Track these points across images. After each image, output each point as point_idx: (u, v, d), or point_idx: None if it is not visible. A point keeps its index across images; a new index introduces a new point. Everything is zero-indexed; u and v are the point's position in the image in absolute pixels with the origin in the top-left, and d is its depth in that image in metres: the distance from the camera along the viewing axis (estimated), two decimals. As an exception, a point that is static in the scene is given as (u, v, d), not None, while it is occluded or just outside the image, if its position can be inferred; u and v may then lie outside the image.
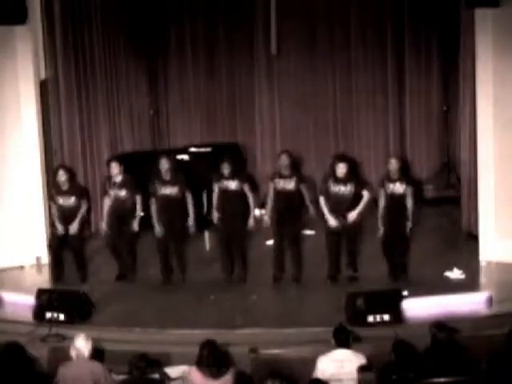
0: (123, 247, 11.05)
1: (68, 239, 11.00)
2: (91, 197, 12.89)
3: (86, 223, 11.48)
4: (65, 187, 10.95)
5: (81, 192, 11.15)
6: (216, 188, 10.74)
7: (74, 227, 10.84)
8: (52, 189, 11.27)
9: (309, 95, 15.18)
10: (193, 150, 14.39)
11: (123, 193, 10.83)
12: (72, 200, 10.90)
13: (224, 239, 10.82)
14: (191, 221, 10.84)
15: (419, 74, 14.73)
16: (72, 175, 11.29)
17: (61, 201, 10.96)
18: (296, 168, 11.08)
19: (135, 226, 10.87)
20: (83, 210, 10.96)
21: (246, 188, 10.69)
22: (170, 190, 10.73)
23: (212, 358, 7.21)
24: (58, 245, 11.00)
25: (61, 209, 10.99)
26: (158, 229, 10.72)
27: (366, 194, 10.55)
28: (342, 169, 10.43)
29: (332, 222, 10.47)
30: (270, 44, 15.08)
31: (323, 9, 14.88)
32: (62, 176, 10.91)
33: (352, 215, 10.46)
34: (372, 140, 15.09)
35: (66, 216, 10.94)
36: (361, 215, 10.57)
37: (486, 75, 11.07)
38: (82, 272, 11.08)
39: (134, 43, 14.79)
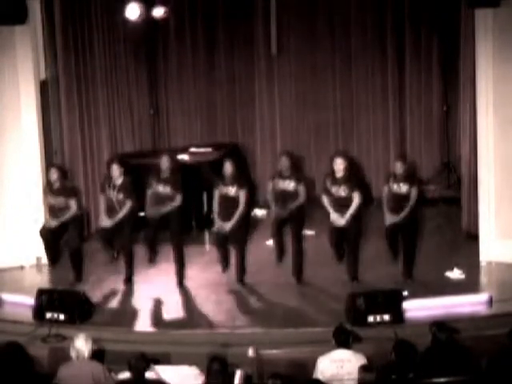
0: (121, 253, 11.09)
1: (64, 237, 11.04)
2: (91, 197, 12.94)
3: (81, 223, 11.42)
4: (55, 186, 10.95)
5: (70, 192, 11.05)
6: (216, 193, 10.72)
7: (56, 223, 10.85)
8: (45, 186, 11.19)
9: (309, 95, 15.20)
10: (193, 149, 14.41)
11: (121, 196, 10.80)
12: (61, 199, 10.89)
13: (221, 242, 10.80)
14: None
15: (419, 74, 14.74)
16: (64, 174, 11.23)
17: (52, 199, 10.96)
18: (296, 168, 11.05)
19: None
20: (72, 210, 10.92)
21: (242, 195, 10.62)
22: (162, 189, 10.72)
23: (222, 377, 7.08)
24: (50, 234, 10.99)
25: (52, 207, 11.01)
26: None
27: (356, 197, 10.34)
28: (339, 165, 10.35)
29: (337, 221, 10.39)
30: (270, 44, 15.10)
31: (323, 9, 14.90)
32: (53, 174, 10.91)
33: (343, 220, 10.38)
34: (372, 140, 15.10)
35: (57, 214, 10.94)
36: (354, 218, 10.44)
37: (486, 75, 11.07)
38: (77, 272, 11.06)
39: (134, 43, 14.80)
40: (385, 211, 10.54)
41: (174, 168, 10.84)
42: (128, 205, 10.73)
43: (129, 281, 10.96)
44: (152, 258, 11.11)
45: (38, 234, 11.04)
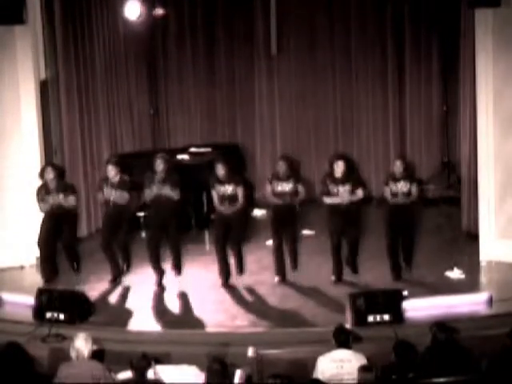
0: (117, 249, 11.07)
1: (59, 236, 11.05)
2: (90, 196, 12.94)
3: (75, 221, 11.42)
4: (52, 185, 10.94)
5: (67, 189, 11.05)
6: (214, 193, 10.72)
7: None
8: (41, 187, 11.13)
9: (309, 95, 15.20)
10: (193, 150, 14.41)
11: (118, 191, 10.79)
12: (58, 195, 10.90)
13: (220, 241, 10.79)
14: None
15: (419, 75, 14.74)
16: (61, 173, 11.22)
17: (49, 197, 10.95)
18: (294, 170, 11.05)
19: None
20: (70, 203, 10.92)
21: (240, 191, 10.64)
22: (160, 190, 10.68)
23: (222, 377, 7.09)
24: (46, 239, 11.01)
25: (50, 206, 11.01)
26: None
27: (360, 193, 10.48)
28: (340, 167, 10.42)
29: (343, 196, 10.42)
30: (270, 43, 15.10)
31: (323, 9, 14.89)
32: (49, 174, 10.91)
33: (343, 191, 10.42)
34: (372, 140, 15.10)
35: (56, 213, 10.95)
36: (354, 218, 10.50)
37: (486, 75, 11.06)
38: (73, 263, 11.08)
39: (134, 43, 14.80)
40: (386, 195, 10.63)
41: (169, 168, 10.80)
42: (126, 197, 10.74)
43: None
44: (159, 281, 10.97)
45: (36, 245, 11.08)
